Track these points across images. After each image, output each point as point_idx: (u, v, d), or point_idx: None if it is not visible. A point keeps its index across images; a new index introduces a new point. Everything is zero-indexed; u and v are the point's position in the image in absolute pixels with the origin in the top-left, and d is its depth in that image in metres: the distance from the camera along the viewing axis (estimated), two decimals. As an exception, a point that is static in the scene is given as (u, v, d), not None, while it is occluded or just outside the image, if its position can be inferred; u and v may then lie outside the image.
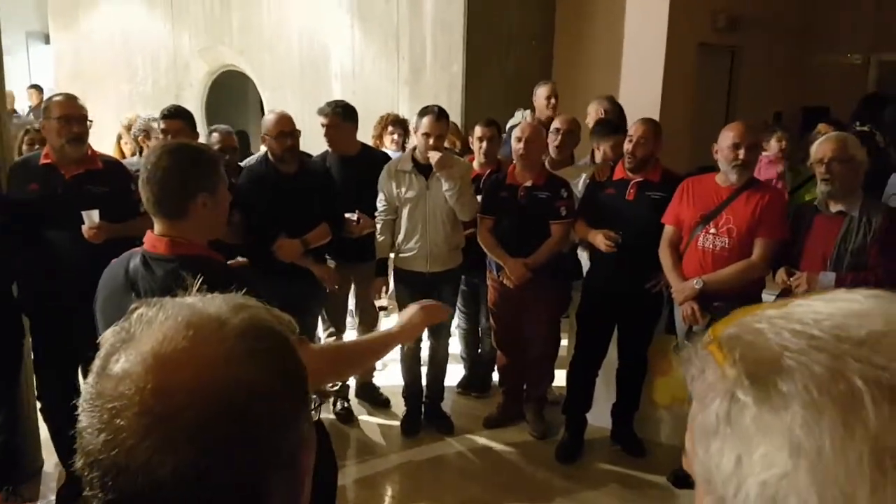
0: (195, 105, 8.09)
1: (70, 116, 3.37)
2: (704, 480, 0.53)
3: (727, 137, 3.44)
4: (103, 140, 6.03)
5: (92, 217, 3.29)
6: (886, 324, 0.48)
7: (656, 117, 6.02)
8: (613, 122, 4.95)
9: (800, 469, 0.45)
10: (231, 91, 8.05)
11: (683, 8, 6.16)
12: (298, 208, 3.88)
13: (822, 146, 3.21)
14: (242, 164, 4.35)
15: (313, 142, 4.53)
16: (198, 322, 0.67)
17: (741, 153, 3.41)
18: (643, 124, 3.90)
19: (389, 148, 5.22)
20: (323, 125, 4.34)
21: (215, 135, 4.38)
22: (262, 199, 3.86)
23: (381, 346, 1.96)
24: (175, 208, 1.87)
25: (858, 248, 3.14)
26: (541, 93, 5.62)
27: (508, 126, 5.53)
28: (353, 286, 4.59)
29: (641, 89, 6.13)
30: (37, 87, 9.67)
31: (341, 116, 4.34)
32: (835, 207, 3.23)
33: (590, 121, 5.60)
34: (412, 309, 1.93)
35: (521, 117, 5.94)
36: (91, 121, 3.47)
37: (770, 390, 0.48)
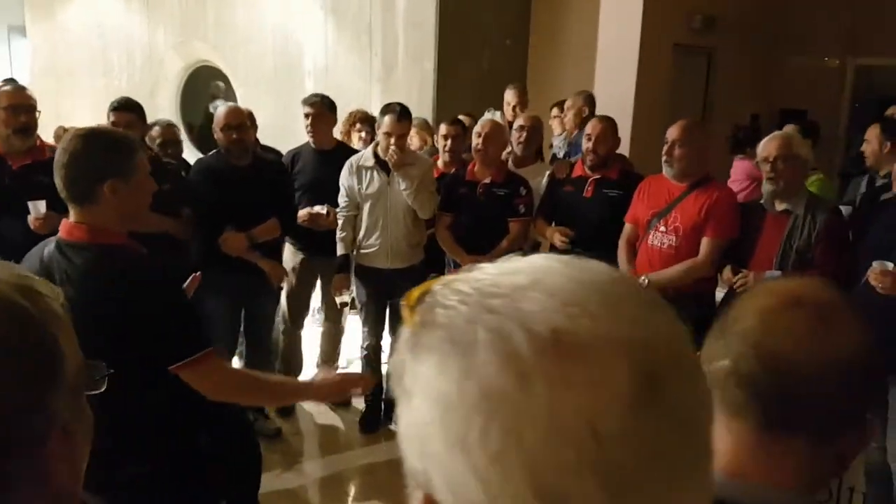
0: (171, 100, 8.07)
1: (17, 106, 3.34)
2: None
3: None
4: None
5: (38, 207, 3.26)
6: (531, 280, 0.49)
7: (630, 117, 6.09)
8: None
9: (435, 417, 0.48)
10: (206, 87, 8.00)
11: (658, 8, 6.17)
12: (248, 202, 3.85)
13: (767, 145, 3.22)
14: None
15: (287, 138, 4.53)
16: None
17: (667, 149, 3.44)
18: (601, 122, 3.91)
19: (357, 146, 5.20)
20: (307, 115, 4.35)
21: (156, 128, 4.37)
22: (211, 192, 3.83)
23: (292, 393, 2.03)
24: (82, 193, 1.86)
25: (804, 246, 3.14)
26: (507, 98, 5.65)
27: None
28: (319, 281, 4.58)
29: (615, 89, 6.13)
30: (11, 81, 9.60)
31: (327, 107, 4.39)
32: (780, 206, 3.23)
33: (568, 114, 5.59)
34: (336, 375, 2.04)
35: (490, 117, 5.93)
36: (40, 111, 3.44)
37: (419, 344, 0.50)
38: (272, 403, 2.03)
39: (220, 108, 3.97)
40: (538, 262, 0.52)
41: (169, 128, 4.42)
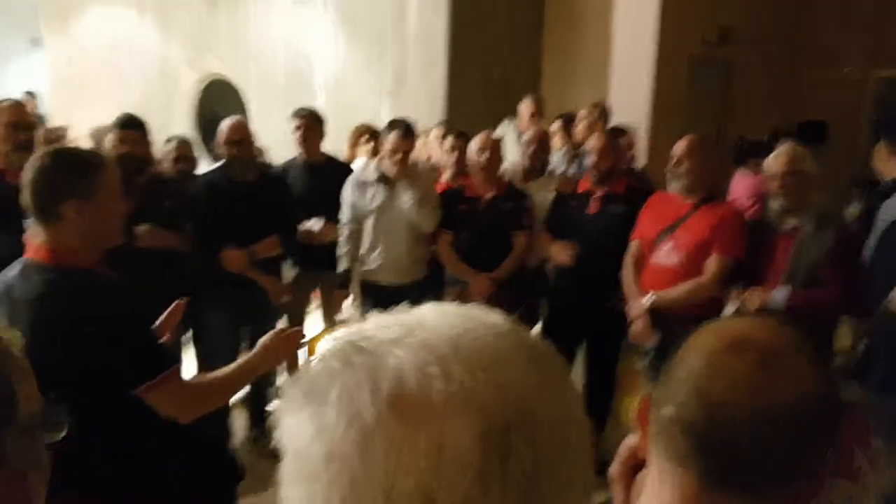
0: (184, 114, 8.10)
1: (17, 124, 3.34)
2: None
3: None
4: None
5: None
6: (403, 333, 0.48)
7: (645, 130, 5.99)
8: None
9: (291, 470, 0.48)
10: (221, 100, 8.03)
11: (673, 20, 6.08)
12: (250, 218, 3.82)
13: (774, 160, 3.13)
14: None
15: (292, 152, 4.49)
16: None
17: (673, 164, 3.37)
18: (602, 137, 3.84)
19: (363, 159, 5.16)
20: (298, 128, 4.34)
21: (171, 144, 4.35)
22: (213, 207, 3.80)
23: (247, 372, 1.98)
24: (43, 212, 1.82)
25: (812, 263, 3.04)
26: (523, 108, 5.56)
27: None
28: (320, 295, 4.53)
29: (630, 101, 6.04)
30: (31, 94, 9.71)
31: (315, 120, 4.40)
32: (789, 223, 3.13)
33: (580, 125, 5.45)
34: (267, 336, 1.99)
35: (507, 128, 5.87)
36: (45, 126, 3.43)
37: (288, 395, 0.50)
38: (233, 393, 2.00)
39: (223, 123, 3.95)
40: (427, 314, 0.50)
41: (183, 144, 4.42)
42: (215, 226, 3.77)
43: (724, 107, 7.73)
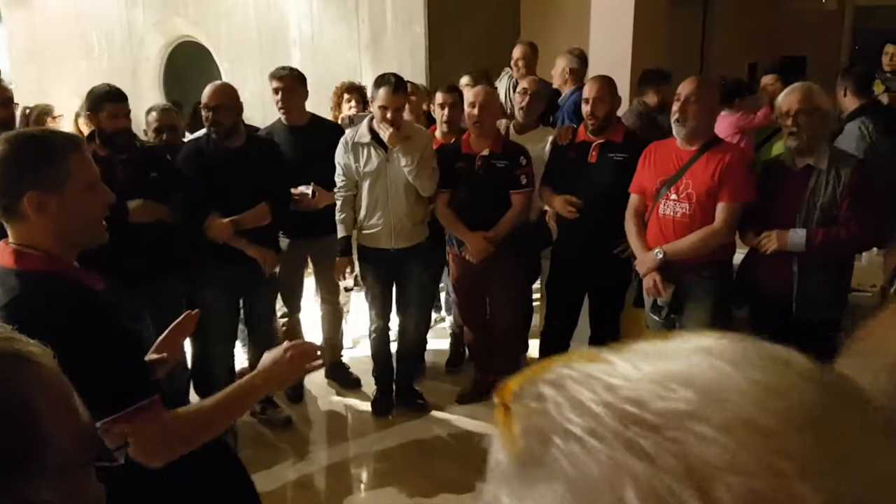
0: (153, 79, 7.85)
1: (-7, 100, 3.17)
2: None
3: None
4: (61, 119, 5.84)
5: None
6: (694, 399, 0.34)
7: (627, 72, 5.89)
8: (662, 70, 4.85)
9: None
10: (190, 63, 7.77)
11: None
12: (236, 186, 3.68)
13: (787, 98, 3.05)
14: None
15: (275, 113, 4.26)
16: None
17: (679, 106, 3.24)
18: (597, 82, 3.74)
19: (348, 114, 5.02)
20: (277, 90, 4.08)
21: (153, 114, 4.18)
22: (198, 176, 3.66)
23: (245, 399, 1.72)
24: (3, 209, 1.58)
25: (828, 202, 2.99)
26: (514, 55, 5.45)
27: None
28: (310, 263, 4.44)
29: (611, 43, 5.92)
30: (-9, 68, 9.36)
31: (297, 80, 4.13)
32: (802, 162, 3.07)
33: (556, 75, 5.42)
34: (275, 352, 1.72)
35: (507, 78, 5.77)
36: (17, 104, 3.27)
37: (527, 496, 0.37)
38: (226, 425, 1.69)
39: (206, 87, 3.79)
40: (695, 360, 0.36)
41: (166, 112, 4.23)
42: (203, 196, 3.63)
43: (704, 45, 7.65)
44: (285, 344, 1.75)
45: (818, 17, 8.37)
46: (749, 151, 4.46)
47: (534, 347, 4.48)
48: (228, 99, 3.70)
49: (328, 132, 4.18)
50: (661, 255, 3.29)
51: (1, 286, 1.55)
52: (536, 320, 4.53)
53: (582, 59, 5.37)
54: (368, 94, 4.48)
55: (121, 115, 3.42)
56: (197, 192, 3.64)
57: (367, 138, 3.89)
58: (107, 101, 3.39)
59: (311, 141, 4.10)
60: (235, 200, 3.68)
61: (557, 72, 5.41)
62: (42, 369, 0.66)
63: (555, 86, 5.44)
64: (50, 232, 1.59)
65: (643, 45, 6.05)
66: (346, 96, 5.13)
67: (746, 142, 5.03)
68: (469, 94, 3.95)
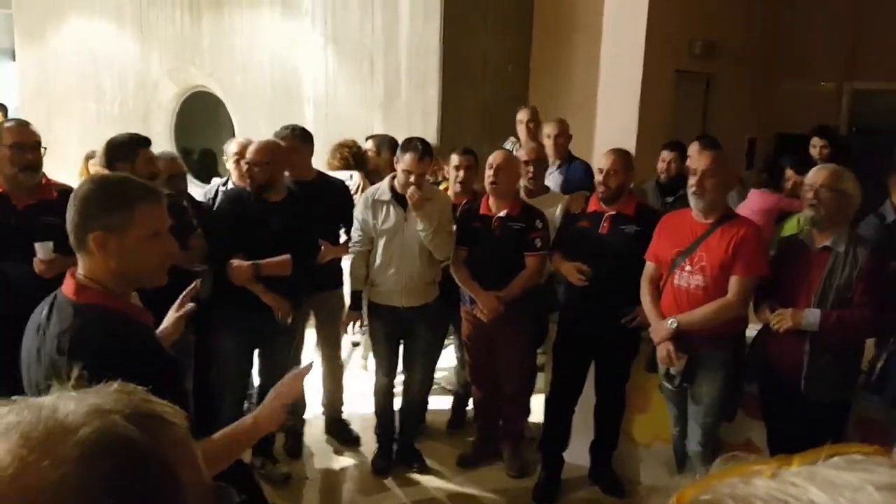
0: (164, 126, 7.92)
1: (23, 144, 3.21)
2: None
3: (690, 161, 3.38)
4: (67, 161, 5.86)
5: (45, 249, 3.12)
6: None
7: (633, 143, 6.01)
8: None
9: None
10: (203, 111, 7.86)
11: (660, 34, 6.12)
12: (267, 237, 3.72)
13: (816, 173, 3.15)
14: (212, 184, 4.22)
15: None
16: (37, 437, 0.58)
17: (696, 181, 3.30)
18: (613, 154, 3.81)
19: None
20: None
21: (162, 160, 4.23)
22: (231, 223, 3.75)
23: (242, 441, 1.81)
24: (74, 242, 1.74)
25: (844, 284, 3.04)
26: (520, 117, 5.51)
27: None
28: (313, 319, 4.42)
29: (618, 115, 6.07)
30: (0, 107, 9.42)
31: (300, 139, 4.20)
32: (820, 242, 3.13)
33: (549, 141, 5.37)
34: (271, 393, 1.83)
35: (511, 146, 5.83)
36: (45, 148, 3.30)
37: None
38: (226, 464, 1.78)
39: (246, 141, 3.91)
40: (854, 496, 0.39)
41: (173, 161, 4.28)
42: (230, 243, 3.67)
43: (705, 118, 7.82)
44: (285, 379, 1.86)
45: (816, 98, 8.59)
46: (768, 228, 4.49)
47: (536, 414, 4.45)
48: (269, 156, 3.76)
49: (336, 189, 4.26)
50: (674, 325, 3.32)
51: (58, 313, 1.69)
52: (539, 383, 4.52)
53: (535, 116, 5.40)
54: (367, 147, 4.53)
55: (154, 159, 3.50)
56: (226, 238, 3.67)
57: (387, 196, 3.94)
58: (140, 147, 3.46)
59: (318, 197, 4.10)
60: (263, 251, 3.71)
61: (550, 136, 5.35)
62: (176, 429, 0.66)
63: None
64: (109, 269, 1.72)
65: (649, 117, 6.20)
66: (339, 154, 5.13)
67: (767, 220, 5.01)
68: (489, 158, 4.02)
